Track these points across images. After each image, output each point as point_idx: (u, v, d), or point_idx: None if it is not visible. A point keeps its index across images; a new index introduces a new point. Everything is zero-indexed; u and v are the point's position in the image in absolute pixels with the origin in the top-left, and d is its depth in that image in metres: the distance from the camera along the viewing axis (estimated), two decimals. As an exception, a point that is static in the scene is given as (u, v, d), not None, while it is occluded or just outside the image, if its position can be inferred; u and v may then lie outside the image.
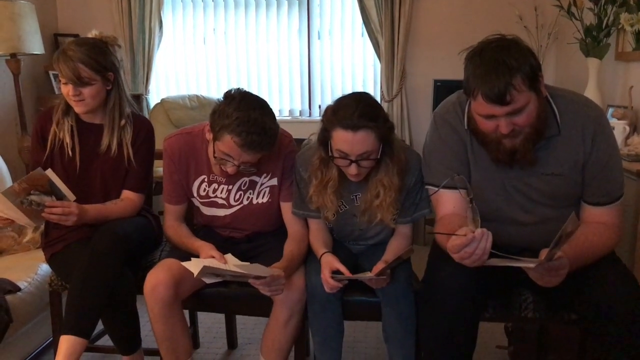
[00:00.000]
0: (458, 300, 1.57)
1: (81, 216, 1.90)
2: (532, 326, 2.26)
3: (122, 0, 4.13)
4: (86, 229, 1.98)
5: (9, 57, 3.43)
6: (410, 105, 4.18)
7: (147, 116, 3.98)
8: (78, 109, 2.00)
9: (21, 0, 3.39)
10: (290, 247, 1.93)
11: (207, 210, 2.04)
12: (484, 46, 1.53)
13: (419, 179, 1.86)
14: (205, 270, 1.71)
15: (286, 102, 4.42)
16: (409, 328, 1.79)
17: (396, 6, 3.94)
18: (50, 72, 4.04)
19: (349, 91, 1.84)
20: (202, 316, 2.66)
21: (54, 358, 1.82)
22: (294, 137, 2.03)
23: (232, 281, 1.86)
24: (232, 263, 1.80)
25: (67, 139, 2.03)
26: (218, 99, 1.83)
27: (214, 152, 1.83)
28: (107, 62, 2.00)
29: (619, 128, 2.51)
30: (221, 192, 2.00)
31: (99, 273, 1.84)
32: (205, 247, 1.86)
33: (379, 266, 1.73)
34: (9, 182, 2.69)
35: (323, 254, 1.85)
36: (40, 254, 2.18)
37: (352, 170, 1.75)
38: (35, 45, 3.45)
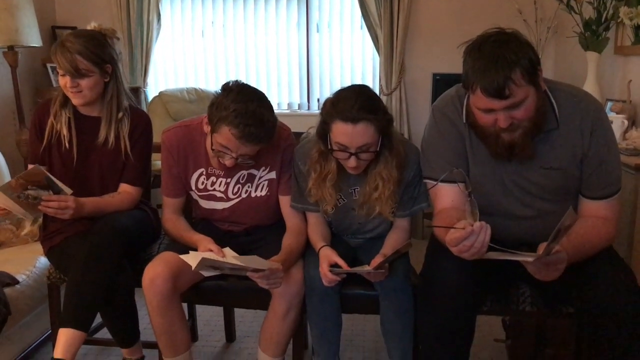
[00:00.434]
0: (456, 294, 1.58)
1: (78, 209, 1.90)
2: (530, 320, 2.27)
3: (120, -8, 4.12)
4: (84, 222, 1.98)
5: (6, 50, 3.42)
6: (409, 98, 4.17)
7: (145, 109, 3.98)
8: (76, 100, 2.00)
9: (19, -8, 3.37)
10: (289, 241, 1.93)
11: (206, 204, 2.04)
12: (483, 40, 1.52)
13: (417, 173, 1.86)
14: (204, 263, 1.71)
15: (285, 96, 4.42)
16: (406, 322, 1.79)
17: (395, -1, 3.93)
18: (48, 65, 4.03)
19: (347, 84, 1.83)
20: (200, 309, 2.67)
21: (53, 351, 1.82)
22: (292, 130, 2.03)
23: (230, 274, 1.86)
24: (230, 256, 1.80)
25: (65, 131, 2.03)
26: (216, 92, 1.83)
27: (212, 145, 1.83)
28: (105, 54, 1.99)
29: (617, 122, 2.51)
30: (219, 185, 2.00)
31: (98, 266, 1.84)
32: (203, 241, 1.86)
33: (377, 260, 1.73)
34: (6, 174, 2.69)
35: (321, 247, 1.85)
36: (38, 246, 2.18)
37: (352, 163, 1.74)
38: (32, 37, 3.44)
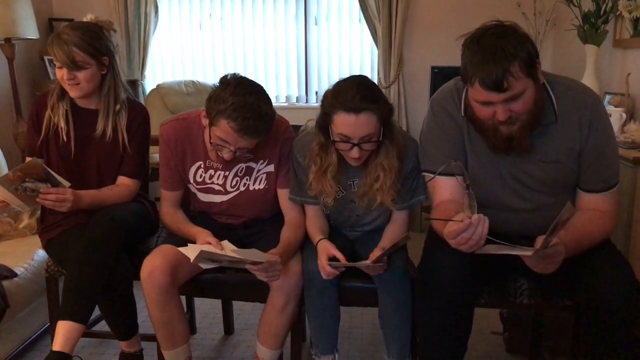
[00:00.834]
0: (454, 287, 1.58)
1: (76, 202, 1.90)
2: (527, 312, 2.28)
3: (117, -16, 4.10)
4: (82, 215, 1.97)
5: (3, 42, 3.40)
6: (408, 91, 4.17)
7: (142, 102, 3.97)
8: (73, 93, 1.99)
9: (15, -16, 3.35)
10: (287, 234, 1.93)
11: (204, 197, 2.04)
12: (481, 33, 1.52)
13: (416, 165, 1.86)
14: (202, 256, 1.71)
15: (283, 88, 4.40)
16: (405, 314, 1.80)
17: (394, -8, 3.92)
18: (45, 57, 4.01)
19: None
20: (198, 302, 2.67)
21: (51, 343, 1.82)
22: (290, 123, 2.03)
23: (228, 267, 1.86)
24: (228, 249, 1.80)
25: (62, 124, 2.02)
26: (214, 85, 1.82)
27: (210, 138, 1.83)
28: (101, 46, 1.98)
29: (615, 115, 2.51)
30: (218, 179, 2.00)
31: (96, 259, 1.84)
32: (201, 234, 1.86)
33: (376, 253, 1.73)
34: (4, 167, 2.68)
35: (319, 240, 1.85)
36: (36, 239, 2.18)
37: (354, 153, 1.74)
38: (29, 30, 3.42)
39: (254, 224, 2.07)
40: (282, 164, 1.99)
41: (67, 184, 1.89)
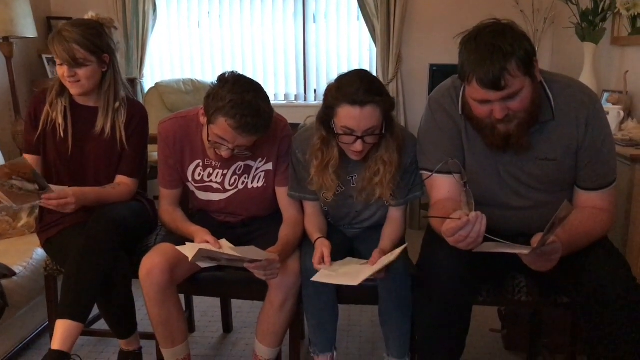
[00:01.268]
0: (452, 284, 1.58)
1: (80, 200, 1.89)
2: (526, 310, 2.29)
3: (115, -18, 4.10)
4: (81, 213, 1.97)
5: (1, 41, 3.40)
6: (406, 89, 4.17)
7: (141, 100, 3.97)
8: (73, 90, 1.99)
9: (13, -18, 3.35)
10: (286, 232, 1.93)
11: (202, 195, 2.04)
12: (478, 31, 1.52)
13: (414, 160, 1.86)
14: (201, 254, 1.71)
15: (281, 87, 4.40)
16: (405, 312, 1.80)
17: (392, -10, 3.91)
18: (44, 56, 4.01)
19: (345, 75, 1.83)
20: (197, 300, 2.68)
21: (50, 342, 1.82)
22: (289, 121, 2.03)
23: (227, 265, 1.86)
24: (227, 247, 1.80)
25: (60, 120, 2.02)
26: (212, 83, 1.82)
27: (209, 136, 1.83)
28: (102, 43, 1.99)
29: (613, 113, 2.51)
30: (216, 177, 2.00)
31: (95, 257, 1.84)
32: (200, 232, 1.86)
33: (376, 256, 1.74)
34: (2, 166, 2.68)
35: (317, 239, 1.86)
36: (35, 238, 2.18)
37: (357, 146, 1.74)
38: (28, 28, 3.42)
39: (252, 222, 2.07)
40: (280, 162, 1.99)
41: (57, 189, 1.86)
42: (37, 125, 2.04)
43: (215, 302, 2.70)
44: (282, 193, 2.01)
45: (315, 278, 1.74)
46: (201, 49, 4.40)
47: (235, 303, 2.72)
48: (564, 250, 1.47)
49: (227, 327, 2.63)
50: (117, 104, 2.05)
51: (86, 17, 2.04)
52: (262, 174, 2.00)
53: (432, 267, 1.64)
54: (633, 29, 2.73)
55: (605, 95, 2.84)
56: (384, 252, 1.78)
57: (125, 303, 1.99)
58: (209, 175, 2.01)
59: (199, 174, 2.01)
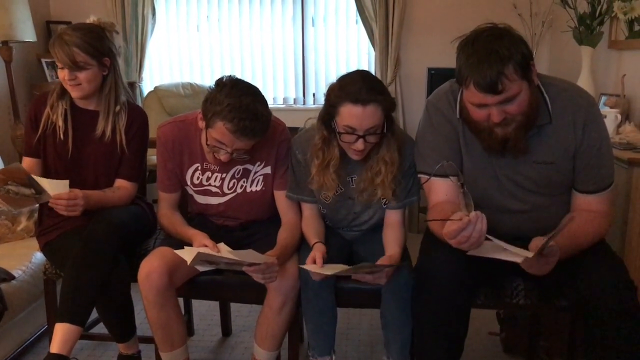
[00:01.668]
0: (450, 287, 1.59)
1: (86, 203, 1.91)
2: (524, 313, 2.29)
3: (114, -13, 4.11)
4: (80, 217, 1.96)
5: (0, 45, 3.40)
6: (404, 93, 4.18)
7: (140, 104, 3.97)
8: (74, 93, 2.00)
9: (12, -13, 3.36)
10: (284, 235, 1.94)
11: (201, 199, 2.04)
12: (476, 35, 1.53)
13: (412, 163, 1.87)
14: (199, 258, 1.71)
15: (280, 90, 4.40)
16: (407, 314, 1.79)
17: (390, -7, 3.92)
18: (43, 60, 4.01)
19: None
20: (196, 304, 2.67)
21: (49, 346, 1.82)
22: (288, 125, 2.03)
23: (226, 269, 1.86)
24: (225, 251, 1.80)
25: (60, 123, 2.03)
26: (210, 87, 1.83)
27: (207, 140, 1.83)
28: (103, 47, 1.99)
29: (610, 116, 2.52)
30: (215, 180, 2.01)
31: (94, 261, 1.84)
32: (198, 236, 1.86)
33: (384, 261, 1.74)
34: (1, 170, 2.68)
35: (315, 243, 1.86)
36: (34, 242, 2.18)
37: (359, 145, 1.75)
38: (27, 32, 3.43)
39: (251, 225, 2.07)
40: (279, 166, 2.00)
41: (51, 193, 1.86)
42: (38, 127, 2.05)
43: (214, 305, 2.70)
44: (280, 196, 2.01)
45: (305, 266, 1.75)
46: (200, 52, 4.41)
47: (234, 306, 2.71)
48: (561, 253, 1.48)
49: (226, 330, 2.63)
50: (118, 108, 2.05)
51: (88, 21, 2.05)
52: (261, 177, 2.01)
53: (430, 270, 1.64)
54: (630, 33, 2.74)
55: (603, 98, 2.84)
56: (394, 259, 1.78)
57: (124, 307, 1.99)
58: (208, 179, 2.01)
59: (198, 178, 2.01)
